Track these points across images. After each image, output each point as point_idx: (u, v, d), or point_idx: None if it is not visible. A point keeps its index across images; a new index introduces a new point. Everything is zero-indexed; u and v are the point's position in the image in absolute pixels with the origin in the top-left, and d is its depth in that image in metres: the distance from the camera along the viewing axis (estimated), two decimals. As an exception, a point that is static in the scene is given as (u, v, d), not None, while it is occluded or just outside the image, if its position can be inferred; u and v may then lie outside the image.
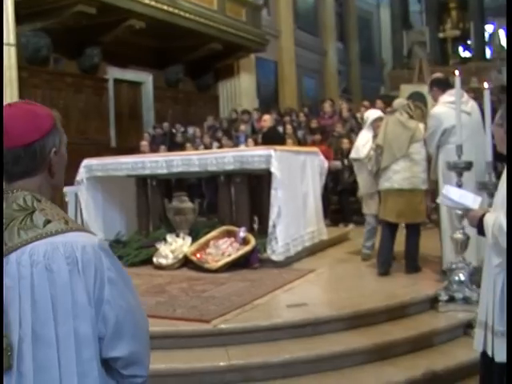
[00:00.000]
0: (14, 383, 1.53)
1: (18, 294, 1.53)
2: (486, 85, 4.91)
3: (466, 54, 24.79)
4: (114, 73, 14.40)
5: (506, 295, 2.84)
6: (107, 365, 1.64)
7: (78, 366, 1.55)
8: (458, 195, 3.69)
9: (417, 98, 6.76)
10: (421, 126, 6.38)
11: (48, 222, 1.57)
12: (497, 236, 2.96)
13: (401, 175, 6.26)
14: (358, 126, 11.72)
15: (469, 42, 24.21)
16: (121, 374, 1.66)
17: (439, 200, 3.94)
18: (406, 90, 7.22)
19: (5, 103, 1.63)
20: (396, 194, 6.29)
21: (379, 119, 7.16)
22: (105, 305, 1.59)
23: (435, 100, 6.08)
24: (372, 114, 7.55)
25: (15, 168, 1.60)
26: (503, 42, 23.72)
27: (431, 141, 5.89)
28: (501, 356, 2.96)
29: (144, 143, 11.98)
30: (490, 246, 3.13)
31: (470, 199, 3.55)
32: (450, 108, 5.51)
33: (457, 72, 5.26)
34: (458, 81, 5.24)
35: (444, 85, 5.95)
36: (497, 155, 4.55)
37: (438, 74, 6.24)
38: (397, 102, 6.66)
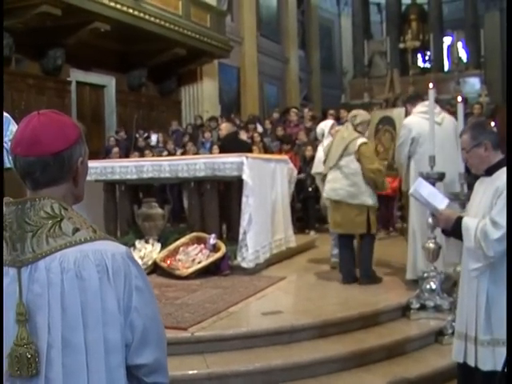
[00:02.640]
0: None
1: (47, 300, 1.53)
2: (459, 98, 5.04)
3: (426, 65, 25.28)
4: (76, 75, 14.23)
5: (506, 299, 2.88)
6: (128, 373, 1.65)
7: (106, 373, 1.56)
8: (427, 191, 3.73)
9: (386, 122, 6.89)
10: (360, 140, 6.23)
11: (77, 230, 1.58)
12: (480, 241, 3.01)
13: (329, 185, 6.37)
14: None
15: (428, 54, 24.68)
16: (142, 381, 1.67)
17: (411, 190, 4.01)
18: (377, 115, 7.37)
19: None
20: (334, 205, 6.42)
21: (334, 125, 7.46)
22: (133, 312, 1.60)
23: (410, 114, 6.20)
24: (325, 124, 7.82)
25: (43, 176, 1.60)
26: (461, 54, 24.28)
27: (402, 150, 5.96)
28: (488, 365, 3.02)
29: (115, 150, 12.01)
30: (468, 249, 3.16)
31: (439, 199, 3.60)
32: (421, 118, 5.64)
33: (431, 85, 5.39)
34: (431, 93, 5.36)
35: (415, 99, 6.10)
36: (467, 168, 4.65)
37: (410, 93, 6.42)
38: (350, 114, 6.76)
